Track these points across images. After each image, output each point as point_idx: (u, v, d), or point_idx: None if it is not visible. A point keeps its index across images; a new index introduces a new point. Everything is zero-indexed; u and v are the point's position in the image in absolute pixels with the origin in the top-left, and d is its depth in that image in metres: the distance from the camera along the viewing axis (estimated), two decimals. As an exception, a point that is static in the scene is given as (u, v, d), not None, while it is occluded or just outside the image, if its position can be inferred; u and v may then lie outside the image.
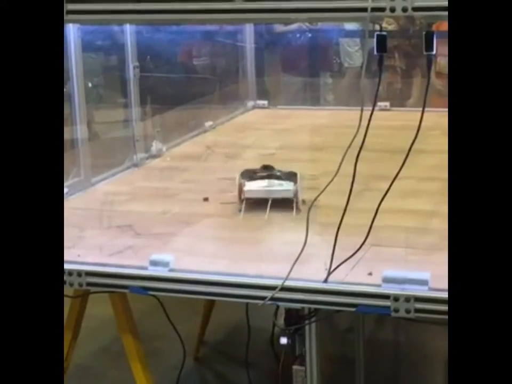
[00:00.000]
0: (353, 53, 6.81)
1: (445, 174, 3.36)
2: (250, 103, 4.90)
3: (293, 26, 6.65)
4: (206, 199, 3.23)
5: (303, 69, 6.91)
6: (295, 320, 2.58)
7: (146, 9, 2.51)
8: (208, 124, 4.42)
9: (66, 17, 2.47)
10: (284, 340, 2.62)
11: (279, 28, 6.64)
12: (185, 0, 2.46)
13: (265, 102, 4.93)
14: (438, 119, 4.17)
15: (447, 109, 4.95)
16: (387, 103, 4.47)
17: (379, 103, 2.32)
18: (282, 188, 3.14)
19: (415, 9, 2.22)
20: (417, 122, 2.31)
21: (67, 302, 2.79)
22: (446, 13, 2.25)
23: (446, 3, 2.21)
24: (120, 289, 2.66)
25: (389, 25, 2.26)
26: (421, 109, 2.32)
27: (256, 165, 3.36)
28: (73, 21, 2.99)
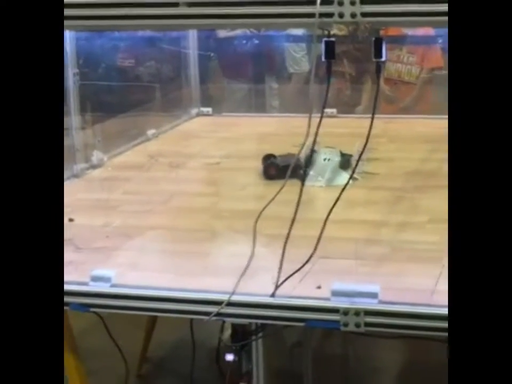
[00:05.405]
0: (299, 58, 6.75)
1: (392, 183, 3.37)
2: (194, 111, 4.80)
3: (237, 32, 6.57)
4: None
5: (248, 75, 6.83)
6: (242, 335, 2.51)
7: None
8: (150, 132, 4.31)
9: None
10: (229, 357, 2.54)
11: (222, 33, 6.54)
12: (128, 5, 2.36)
13: (209, 109, 4.84)
14: (385, 125, 4.18)
15: (395, 116, 4.91)
16: (334, 110, 4.43)
17: (325, 110, 2.27)
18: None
19: (364, 14, 2.17)
20: (365, 130, 2.26)
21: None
22: (394, 19, 2.22)
23: (394, 8, 2.18)
24: (59, 306, 2.56)
25: (339, 31, 2.21)
26: (369, 115, 2.26)
27: (201, 175, 3.29)
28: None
